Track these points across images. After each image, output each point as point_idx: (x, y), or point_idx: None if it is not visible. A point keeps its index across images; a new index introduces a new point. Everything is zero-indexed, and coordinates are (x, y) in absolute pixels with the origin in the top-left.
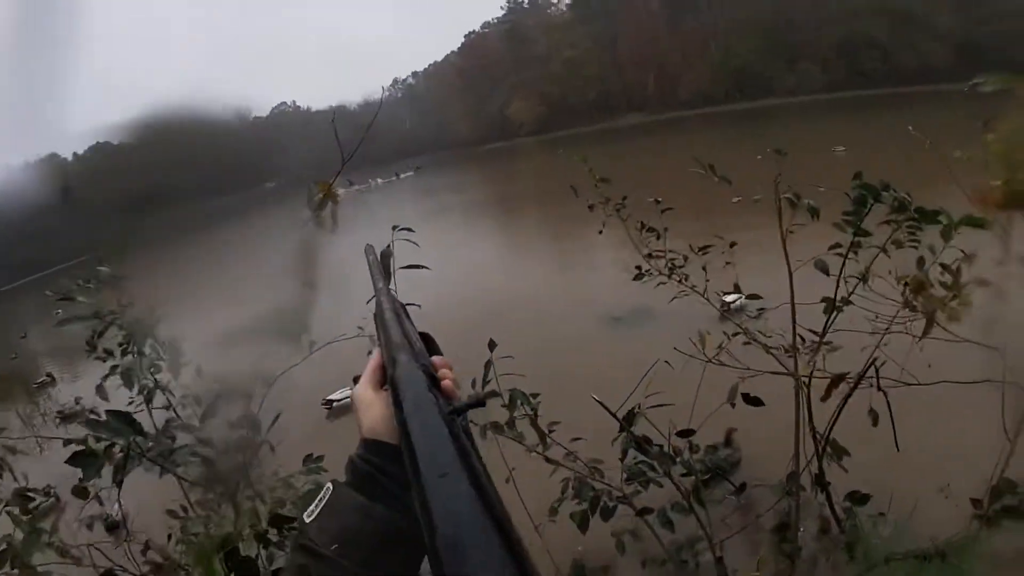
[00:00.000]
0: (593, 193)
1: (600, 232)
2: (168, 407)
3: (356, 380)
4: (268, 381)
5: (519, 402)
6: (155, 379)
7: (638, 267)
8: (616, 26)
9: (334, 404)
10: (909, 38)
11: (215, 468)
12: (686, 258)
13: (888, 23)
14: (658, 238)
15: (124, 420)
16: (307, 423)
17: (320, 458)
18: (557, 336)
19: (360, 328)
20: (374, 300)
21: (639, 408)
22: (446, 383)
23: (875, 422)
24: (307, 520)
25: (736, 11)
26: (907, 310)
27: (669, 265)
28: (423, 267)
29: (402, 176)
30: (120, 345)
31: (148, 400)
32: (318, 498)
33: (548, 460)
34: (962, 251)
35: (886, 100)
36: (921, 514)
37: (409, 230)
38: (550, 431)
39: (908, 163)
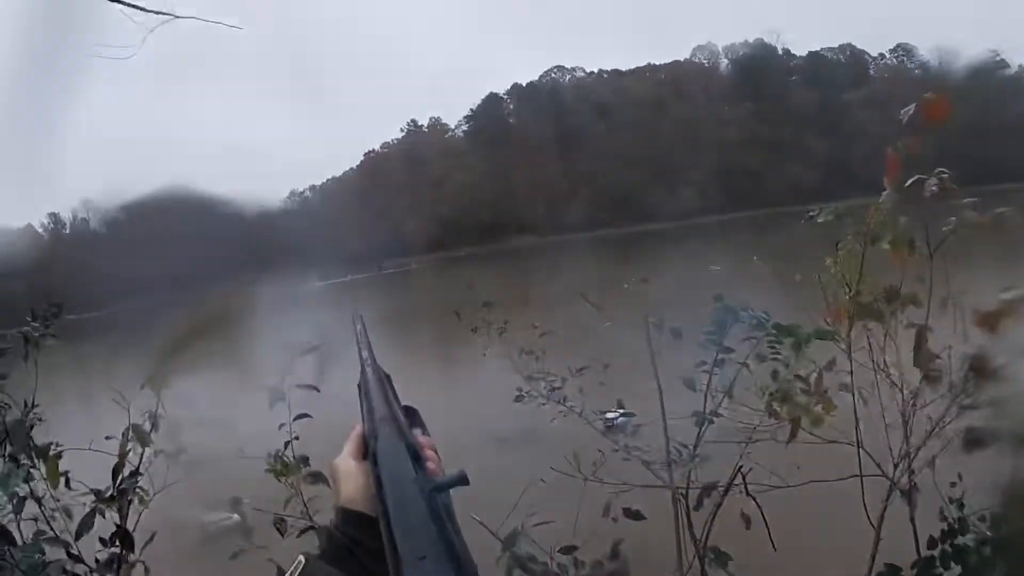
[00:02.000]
0: (477, 316)
1: (484, 355)
2: (37, 519)
3: (236, 502)
4: (145, 497)
5: None
6: (29, 487)
7: (519, 389)
8: (509, 153)
9: (210, 527)
10: (779, 163)
11: None
12: (564, 380)
13: (759, 150)
14: (537, 360)
15: None
16: (185, 543)
17: None
18: (446, 454)
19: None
20: (360, 368)
21: (521, 528)
22: (430, 465)
23: (747, 525)
24: None
25: (620, 143)
26: (772, 419)
27: (548, 387)
28: (314, 388)
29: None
30: None
31: (17, 510)
32: (290, 571)
33: None
34: (813, 362)
35: (759, 220)
36: None
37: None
38: None
39: (772, 283)
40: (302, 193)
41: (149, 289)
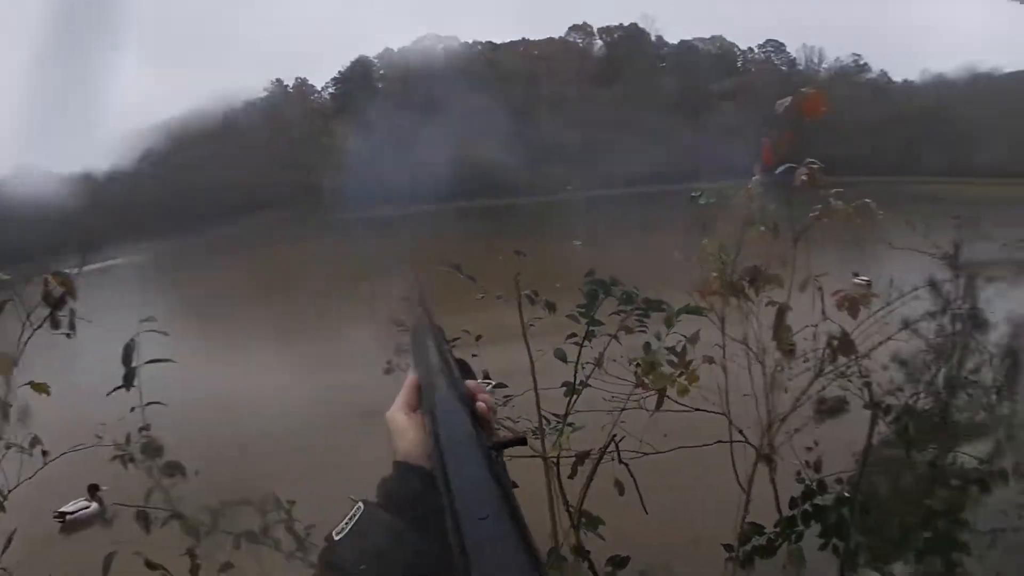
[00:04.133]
0: (347, 288)
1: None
2: None
3: (93, 489)
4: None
5: (274, 508)
6: None
7: (388, 361)
8: (376, 119)
9: (67, 517)
10: (643, 145)
11: None
12: None
13: (626, 131)
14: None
15: None
16: (36, 539)
17: None
18: (310, 433)
19: (99, 436)
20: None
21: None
22: (481, 406)
23: (621, 492)
24: (336, 537)
25: (489, 115)
26: (640, 389)
27: None
28: (168, 360)
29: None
30: None
31: None
32: (348, 516)
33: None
34: (684, 336)
35: (629, 199)
36: (680, 566)
37: (152, 319)
38: (307, 534)
39: (641, 258)
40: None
41: None
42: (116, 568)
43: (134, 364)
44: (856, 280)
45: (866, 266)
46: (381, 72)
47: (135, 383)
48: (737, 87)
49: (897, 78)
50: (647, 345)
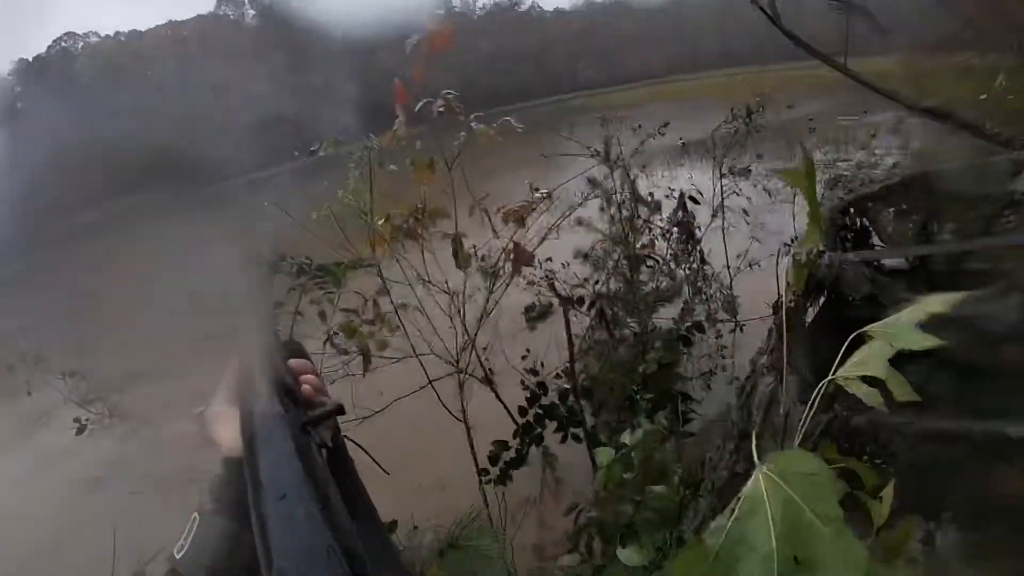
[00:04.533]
0: None
1: None
2: None
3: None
4: None
5: None
6: None
7: None
8: (14, 145)
9: None
10: (314, 110)
11: None
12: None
13: (293, 99)
14: None
15: None
16: None
17: None
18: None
19: None
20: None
21: None
22: (306, 388)
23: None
24: (178, 556)
25: (147, 107)
26: (342, 355)
27: None
28: None
29: None
30: None
31: None
32: (186, 531)
33: None
34: (359, 293)
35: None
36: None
37: None
38: None
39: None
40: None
41: None
42: None
43: None
44: (537, 194)
45: (533, 180)
46: (17, 89)
47: None
48: (393, 36)
49: (549, 7)
50: (322, 314)
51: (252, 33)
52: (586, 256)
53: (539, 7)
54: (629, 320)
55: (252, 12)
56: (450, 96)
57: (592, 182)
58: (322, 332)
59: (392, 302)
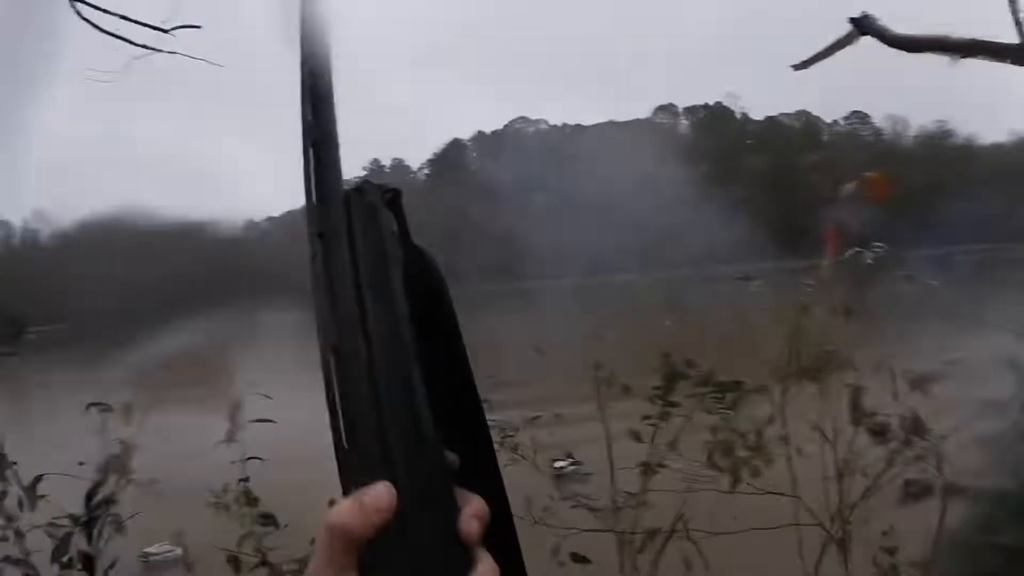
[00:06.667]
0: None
1: None
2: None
3: (177, 535)
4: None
5: None
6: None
7: None
8: (469, 198)
9: (150, 558)
10: (729, 222)
11: None
12: (517, 428)
13: (711, 209)
14: (490, 409)
15: None
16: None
17: None
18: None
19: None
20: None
21: None
22: (467, 531)
23: (688, 568)
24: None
25: (579, 195)
26: (714, 470)
27: (501, 435)
28: (270, 420)
29: None
30: None
31: None
32: None
33: None
34: (757, 418)
35: (708, 279)
36: None
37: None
38: None
39: (730, 338)
40: (261, 222)
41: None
42: None
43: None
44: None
45: (942, 344)
46: (474, 154)
47: (237, 439)
48: (822, 160)
49: (985, 141)
50: (718, 427)
51: (684, 142)
52: (985, 445)
53: (974, 139)
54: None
55: (685, 122)
56: (879, 249)
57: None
58: (702, 442)
59: (779, 435)
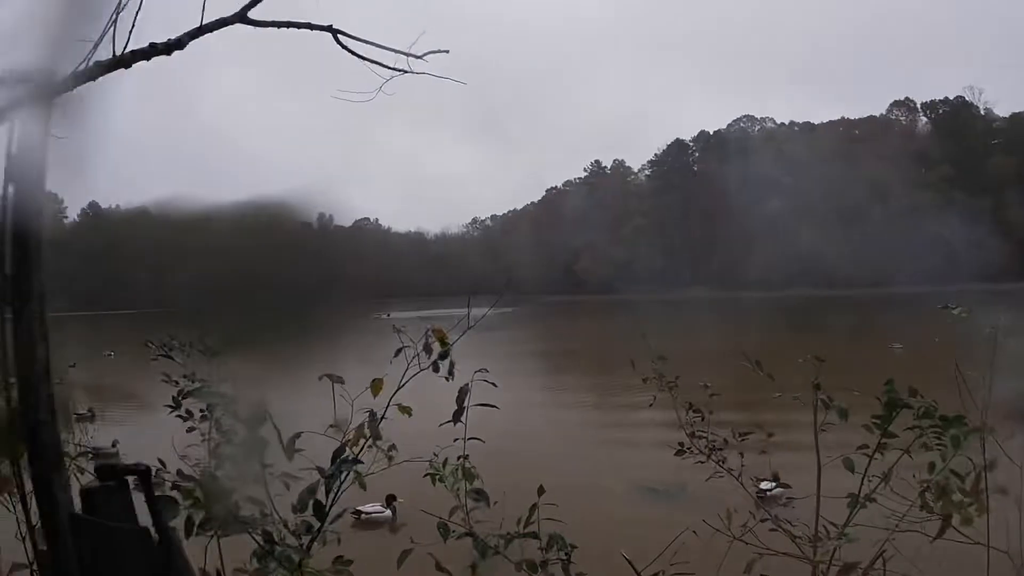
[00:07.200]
0: (647, 366)
1: (651, 405)
2: None
3: (390, 499)
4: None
5: (555, 546)
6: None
7: (680, 443)
8: (691, 200)
9: (363, 516)
10: (973, 234)
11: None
12: (726, 441)
13: (954, 219)
14: (703, 420)
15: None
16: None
17: (349, 561)
18: (597, 497)
19: (435, 455)
20: None
21: (662, 573)
22: None
23: None
24: None
25: (808, 198)
26: (924, 511)
27: (709, 446)
28: (493, 406)
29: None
30: (202, 412)
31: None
32: None
33: None
34: (970, 459)
35: (949, 295)
36: None
37: (485, 370)
38: None
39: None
40: (483, 221)
41: None
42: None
43: (465, 404)
44: None
45: None
46: (696, 154)
47: (463, 419)
48: None
49: None
50: (932, 465)
51: (922, 141)
52: None
53: None
54: None
55: (924, 119)
56: None
57: None
58: (915, 479)
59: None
